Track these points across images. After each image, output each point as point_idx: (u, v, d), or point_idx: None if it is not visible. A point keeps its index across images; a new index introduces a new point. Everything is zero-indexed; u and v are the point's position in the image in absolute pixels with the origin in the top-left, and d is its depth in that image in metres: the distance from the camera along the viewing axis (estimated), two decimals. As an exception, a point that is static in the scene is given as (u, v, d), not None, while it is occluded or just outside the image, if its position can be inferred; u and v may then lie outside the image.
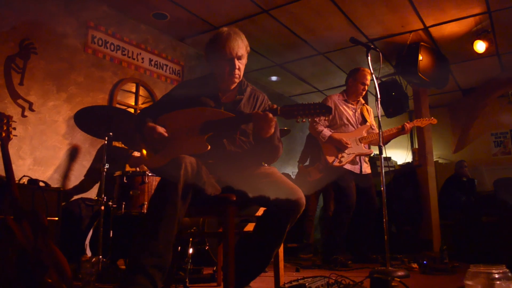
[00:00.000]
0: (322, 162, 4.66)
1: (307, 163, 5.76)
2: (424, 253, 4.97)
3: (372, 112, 4.86)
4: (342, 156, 4.38)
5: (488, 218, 5.57)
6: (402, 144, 9.02)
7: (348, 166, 4.44)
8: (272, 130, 2.25)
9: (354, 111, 4.66)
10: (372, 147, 4.74)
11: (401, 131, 4.45)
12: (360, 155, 4.48)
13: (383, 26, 5.85)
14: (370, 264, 4.33)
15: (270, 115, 2.17)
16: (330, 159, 4.39)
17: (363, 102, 4.79)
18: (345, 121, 4.55)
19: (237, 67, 2.40)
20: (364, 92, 4.67)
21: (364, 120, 4.66)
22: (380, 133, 3.53)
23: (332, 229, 4.51)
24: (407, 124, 4.44)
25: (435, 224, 6.39)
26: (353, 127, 4.56)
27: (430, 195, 6.52)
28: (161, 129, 2.30)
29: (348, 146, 4.38)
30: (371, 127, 4.61)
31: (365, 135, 4.48)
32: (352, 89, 4.67)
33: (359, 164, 4.53)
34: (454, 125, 9.17)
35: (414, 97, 7.07)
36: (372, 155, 4.71)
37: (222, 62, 2.40)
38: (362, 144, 4.46)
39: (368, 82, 4.62)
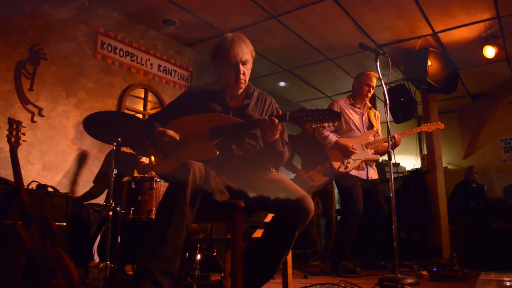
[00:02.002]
0: (327, 166, 4.62)
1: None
2: (434, 260, 4.92)
3: (379, 117, 4.83)
4: (348, 162, 4.35)
5: (498, 224, 5.52)
6: (411, 150, 8.98)
7: (354, 172, 4.41)
8: (277, 135, 2.25)
9: (361, 115, 4.63)
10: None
11: (393, 143, 4.33)
12: (366, 161, 4.44)
13: (392, 32, 5.84)
14: (379, 271, 4.29)
15: (277, 121, 2.17)
16: (336, 164, 4.37)
17: (370, 105, 4.75)
18: (352, 126, 4.52)
19: (242, 72, 2.39)
20: (370, 95, 4.62)
21: (371, 125, 4.63)
22: (389, 138, 3.51)
23: (340, 236, 4.48)
24: (396, 135, 4.32)
25: (444, 231, 6.34)
26: (360, 132, 4.53)
27: (439, 201, 6.47)
28: (171, 133, 2.30)
29: (355, 152, 4.35)
30: (377, 132, 4.58)
31: (372, 140, 4.45)
32: (358, 92, 4.64)
33: (366, 169, 4.50)
34: (463, 131, 9.12)
35: (423, 102, 7.03)
36: (380, 160, 4.68)
37: (227, 68, 2.40)
38: (369, 150, 4.42)
39: (373, 84, 4.58)
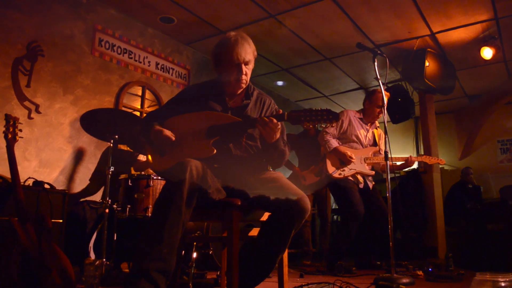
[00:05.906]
0: (321, 167, 4.61)
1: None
2: (429, 260, 4.93)
3: (383, 137, 4.75)
4: (343, 170, 4.36)
5: (494, 225, 5.52)
6: (408, 150, 8.99)
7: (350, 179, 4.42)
8: (278, 135, 2.24)
9: (366, 131, 4.62)
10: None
11: (406, 163, 4.41)
12: (361, 173, 4.43)
13: (390, 32, 5.84)
14: (374, 270, 4.30)
15: (275, 120, 2.17)
16: (330, 169, 4.37)
17: (378, 125, 4.75)
18: (355, 138, 4.52)
19: (244, 72, 2.38)
20: (380, 115, 4.55)
21: (374, 143, 4.62)
22: (387, 138, 3.51)
23: (338, 237, 4.47)
24: (412, 158, 4.39)
25: (440, 231, 6.35)
26: (361, 146, 4.52)
27: (436, 201, 6.48)
28: (168, 132, 2.28)
29: (352, 161, 4.35)
30: (379, 151, 4.55)
31: (371, 156, 4.45)
32: (368, 111, 4.63)
33: (363, 183, 4.48)
34: (460, 132, 9.14)
35: (420, 103, 7.05)
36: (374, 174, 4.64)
37: (229, 67, 2.39)
38: (366, 164, 4.42)
39: (384, 104, 4.57)
